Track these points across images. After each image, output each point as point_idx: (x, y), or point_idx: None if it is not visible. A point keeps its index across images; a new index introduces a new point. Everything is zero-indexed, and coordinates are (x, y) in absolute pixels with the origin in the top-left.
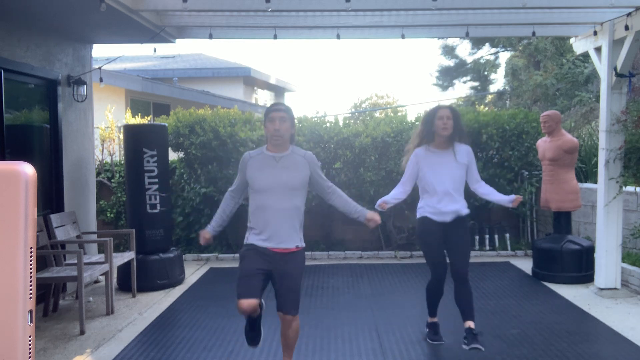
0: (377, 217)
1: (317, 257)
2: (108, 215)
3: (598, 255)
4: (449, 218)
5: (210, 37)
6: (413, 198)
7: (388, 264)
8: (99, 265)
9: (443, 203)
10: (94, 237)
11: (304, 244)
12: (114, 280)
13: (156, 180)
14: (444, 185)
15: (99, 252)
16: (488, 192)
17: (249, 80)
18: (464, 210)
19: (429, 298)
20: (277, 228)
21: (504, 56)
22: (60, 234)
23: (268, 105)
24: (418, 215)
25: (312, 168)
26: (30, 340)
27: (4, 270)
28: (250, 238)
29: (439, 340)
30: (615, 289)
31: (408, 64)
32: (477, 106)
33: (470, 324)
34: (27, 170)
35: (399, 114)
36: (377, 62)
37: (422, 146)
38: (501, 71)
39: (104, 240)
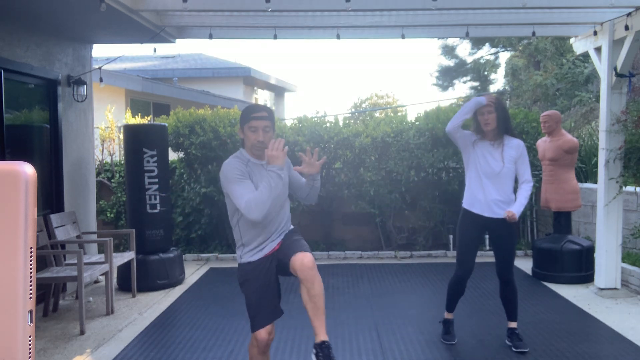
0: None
1: (317, 257)
2: (108, 215)
3: (598, 255)
4: (492, 213)
5: (210, 37)
6: (413, 197)
7: (388, 264)
8: (99, 265)
9: (486, 192)
10: (94, 237)
11: (289, 227)
12: (114, 280)
13: (156, 180)
14: (487, 175)
15: (99, 252)
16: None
17: (249, 80)
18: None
19: (449, 293)
20: (273, 232)
21: (504, 56)
22: (60, 234)
23: (268, 105)
24: (462, 204)
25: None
26: (30, 340)
27: (4, 270)
28: (245, 257)
29: (451, 340)
30: (615, 289)
31: (408, 64)
32: None
33: (512, 324)
34: (27, 170)
35: (399, 114)
36: (377, 62)
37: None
38: (501, 71)
39: (104, 240)
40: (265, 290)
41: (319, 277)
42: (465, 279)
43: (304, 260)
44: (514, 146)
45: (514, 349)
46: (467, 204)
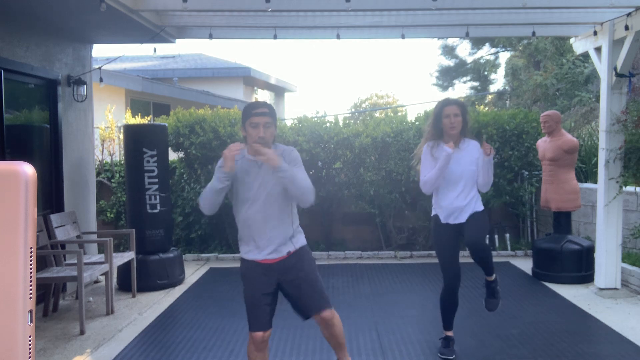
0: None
1: (317, 257)
2: (108, 215)
3: (598, 255)
4: (460, 218)
5: (210, 37)
6: (413, 197)
7: (388, 264)
8: (99, 265)
9: (450, 199)
10: (94, 237)
11: (301, 244)
12: (114, 280)
13: (156, 180)
14: (449, 181)
15: (99, 252)
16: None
17: (249, 80)
18: (475, 208)
19: (442, 307)
20: (267, 237)
21: (504, 56)
22: (60, 234)
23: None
24: (432, 213)
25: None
26: (30, 340)
27: (4, 270)
28: (242, 251)
29: (449, 355)
30: (615, 289)
31: (408, 64)
32: (477, 106)
33: (488, 277)
34: (27, 170)
35: (399, 114)
36: (377, 62)
37: (432, 141)
38: (501, 71)
39: (104, 240)
40: (257, 299)
41: (337, 318)
42: (455, 286)
43: (324, 318)
44: (475, 147)
45: (484, 304)
46: (434, 210)
